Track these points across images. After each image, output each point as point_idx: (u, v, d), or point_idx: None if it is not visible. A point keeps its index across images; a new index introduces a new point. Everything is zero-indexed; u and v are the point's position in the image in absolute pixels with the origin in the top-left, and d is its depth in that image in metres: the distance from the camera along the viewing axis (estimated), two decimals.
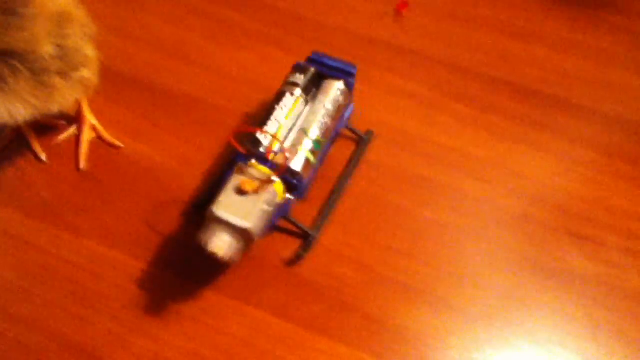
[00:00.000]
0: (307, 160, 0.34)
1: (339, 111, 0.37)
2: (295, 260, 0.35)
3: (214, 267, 0.34)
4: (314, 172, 0.35)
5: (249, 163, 0.32)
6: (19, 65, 0.30)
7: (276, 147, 0.34)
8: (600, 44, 0.49)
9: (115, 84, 0.42)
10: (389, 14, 0.49)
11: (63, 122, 0.40)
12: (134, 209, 0.36)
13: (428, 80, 0.45)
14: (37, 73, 0.31)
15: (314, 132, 0.35)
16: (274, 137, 0.33)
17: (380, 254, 0.35)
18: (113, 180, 0.37)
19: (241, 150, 0.33)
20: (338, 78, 0.38)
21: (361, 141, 0.40)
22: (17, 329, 0.31)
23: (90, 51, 0.35)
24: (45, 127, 0.40)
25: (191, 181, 0.38)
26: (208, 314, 0.32)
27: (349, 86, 0.38)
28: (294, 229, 0.35)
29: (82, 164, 0.38)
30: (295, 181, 0.33)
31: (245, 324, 0.32)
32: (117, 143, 0.39)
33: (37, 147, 0.38)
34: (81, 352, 0.31)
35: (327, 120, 0.36)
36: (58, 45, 0.31)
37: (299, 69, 0.38)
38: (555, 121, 0.43)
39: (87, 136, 0.39)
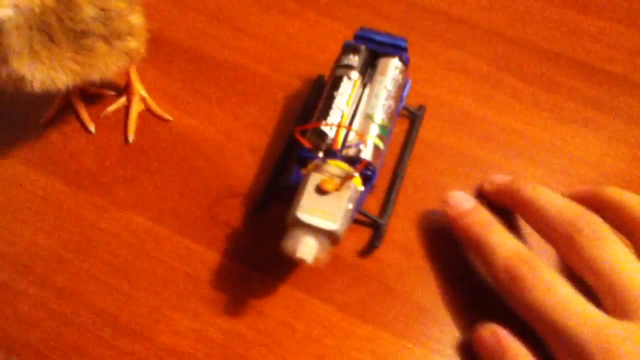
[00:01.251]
0: (377, 148, 0.32)
1: (400, 90, 0.35)
2: (369, 250, 0.33)
3: (259, 248, 0.33)
4: (383, 158, 0.33)
5: (327, 160, 0.31)
6: (57, 26, 0.29)
7: (347, 137, 0.32)
8: None
9: (161, 53, 0.42)
10: None
11: (112, 93, 0.39)
12: (181, 185, 0.36)
13: (486, 54, 0.43)
14: (78, 36, 0.30)
15: (379, 116, 0.33)
16: (348, 128, 0.31)
17: (432, 240, 0.34)
18: (161, 154, 0.37)
19: (307, 145, 0.31)
20: (392, 54, 0.36)
21: (415, 118, 0.38)
22: (58, 299, 0.32)
23: (136, 19, 0.34)
24: (94, 97, 0.39)
25: (237, 158, 0.37)
26: (252, 294, 0.32)
27: (404, 62, 0.36)
28: (362, 218, 0.34)
29: (131, 137, 0.37)
30: (369, 172, 0.31)
31: (288, 305, 0.32)
32: (166, 116, 0.38)
33: (85, 117, 0.38)
34: (120, 325, 0.31)
35: (390, 102, 0.34)
36: (101, 9, 0.31)
37: (350, 49, 0.36)
38: (622, 103, 0.40)
39: (136, 108, 0.38)
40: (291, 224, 0.29)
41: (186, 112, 0.39)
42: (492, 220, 0.31)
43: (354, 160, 0.31)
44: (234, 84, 0.41)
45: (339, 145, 0.32)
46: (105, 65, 0.32)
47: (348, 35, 0.39)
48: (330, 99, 0.34)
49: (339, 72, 0.35)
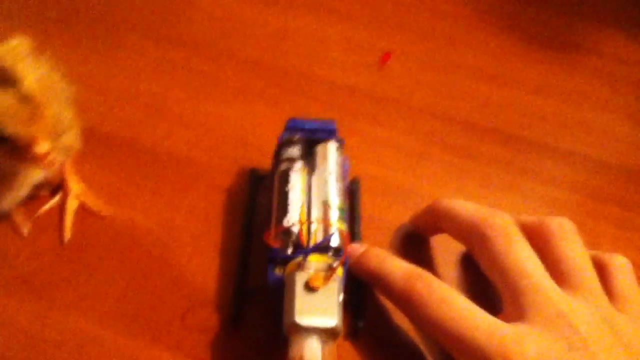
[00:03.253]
0: (341, 231, 0.33)
1: (343, 170, 0.37)
2: (355, 332, 0.33)
3: (207, 341, 0.33)
4: (348, 238, 0.34)
5: (306, 257, 0.31)
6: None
7: (310, 228, 0.33)
8: (576, 86, 0.50)
9: (96, 145, 0.41)
10: (372, 65, 0.50)
11: (45, 193, 0.38)
12: (122, 282, 0.35)
13: (412, 129, 0.45)
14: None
15: (334, 201, 0.34)
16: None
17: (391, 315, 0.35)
18: (98, 251, 0.36)
19: (276, 246, 0.32)
20: (325, 139, 0.37)
21: (352, 192, 0.39)
22: None
23: (70, 114, 0.35)
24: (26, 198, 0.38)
25: (179, 249, 0.37)
26: None
27: (340, 143, 0.38)
28: None
29: (66, 236, 0.36)
30: (338, 256, 0.32)
31: None
32: (103, 212, 0.38)
33: (18, 220, 0.37)
34: None
35: (339, 183, 0.36)
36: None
37: (287, 141, 0.37)
38: (539, 166, 0.44)
39: (71, 206, 0.37)
40: (291, 331, 0.29)
41: (124, 206, 0.39)
42: (384, 252, 0.33)
43: (325, 250, 0.32)
44: (172, 173, 0.41)
45: (307, 241, 0.32)
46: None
47: (282, 118, 0.40)
48: (284, 195, 0.34)
49: (284, 166, 0.36)
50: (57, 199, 0.38)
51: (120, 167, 0.41)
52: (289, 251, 0.32)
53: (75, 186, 0.38)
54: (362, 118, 0.46)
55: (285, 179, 0.35)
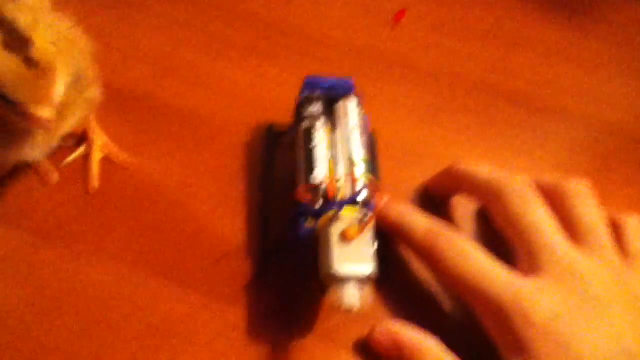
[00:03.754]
0: (370, 182, 0.34)
1: (365, 124, 0.38)
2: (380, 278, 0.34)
3: (233, 286, 0.34)
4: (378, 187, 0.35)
5: (340, 210, 0.32)
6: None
7: (340, 182, 0.34)
8: (589, 49, 0.50)
9: (114, 100, 0.41)
10: (385, 25, 0.50)
11: (71, 143, 0.39)
12: (149, 230, 0.36)
13: (426, 90, 0.46)
14: (62, 107, 0.31)
15: (359, 154, 0.35)
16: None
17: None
18: (124, 201, 0.38)
19: (307, 200, 0.33)
20: (344, 96, 0.38)
21: (371, 145, 0.40)
22: (34, 356, 0.31)
23: (93, 69, 0.35)
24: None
25: (202, 203, 0.38)
26: (230, 332, 0.33)
27: (359, 99, 0.39)
28: None
29: (93, 185, 0.38)
30: (370, 208, 0.33)
31: (270, 342, 0.33)
32: (128, 163, 0.39)
33: (46, 168, 0.38)
34: None
35: (364, 137, 0.37)
36: (74, 73, 0.31)
37: (307, 100, 0.38)
38: (551, 128, 0.45)
39: (97, 156, 0.39)
40: (329, 280, 0.30)
41: (145, 159, 0.40)
42: (407, 206, 0.35)
43: (355, 202, 0.33)
44: (189, 130, 0.42)
45: (336, 195, 0.33)
46: (75, 118, 0.33)
47: (294, 78, 0.41)
48: (310, 152, 0.35)
49: (307, 123, 0.37)
50: (82, 149, 0.39)
51: (138, 123, 0.42)
52: (319, 205, 0.33)
53: (99, 138, 0.39)
54: (376, 78, 0.47)
55: (309, 136, 0.36)
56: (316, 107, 0.38)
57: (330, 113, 0.38)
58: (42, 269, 0.34)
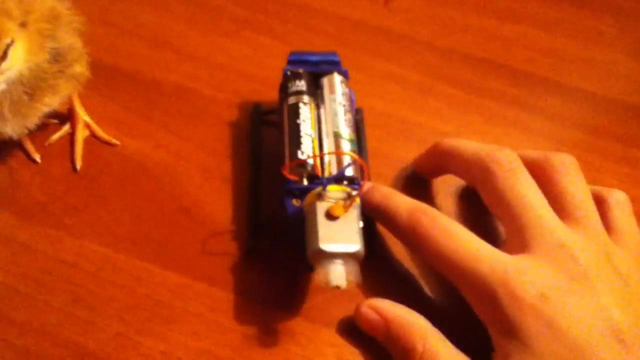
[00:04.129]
0: (357, 160, 0.34)
1: (350, 102, 0.37)
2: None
3: (219, 265, 0.34)
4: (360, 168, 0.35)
5: (326, 188, 0.31)
6: (35, 83, 0.30)
7: (323, 160, 0.34)
8: (584, 22, 0.49)
9: (102, 77, 0.41)
10: None
11: (55, 121, 0.39)
12: (134, 209, 0.36)
13: (417, 64, 0.45)
14: (39, 83, 0.30)
15: (345, 132, 0.35)
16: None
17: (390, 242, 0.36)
18: (110, 180, 0.37)
19: (294, 179, 0.33)
20: (329, 71, 0.38)
21: (357, 122, 0.40)
22: (21, 335, 0.31)
23: (79, 44, 0.35)
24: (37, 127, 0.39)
25: (189, 180, 0.38)
26: (215, 311, 0.33)
27: (345, 75, 0.38)
28: None
29: (78, 164, 0.37)
30: (356, 186, 0.33)
31: (255, 321, 0.33)
32: (113, 141, 0.38)
33: (30, 147, 0.37)
34: (86, 354, 0.31)
35: (349, 115, 0.36)
36: (53, 48, 0.31)
37: (292, 75, 0.37)
38: (544, 102, 0.44)
39: (81, 135, 0.38)
40: (316, 257, 0.30)
41: (132, 137, 0.39)
42: (389, 189, 0.34)
43: (340, 180, 0.33)
44: (178, 106, 0.41)
45: (322, 172, 0.33)
46: (59, 95, 0.33)
47: (286, 52, 0.40)
48: (296, 128, 0.35)
49: (292, 100, 0.36)
50: (67, 127, 0.39)
51: (125, 99, 0.41)
52: (305, 182, 0.33)
53: (84, 115, 0.39)
54: (367, 52, 0.46)
55: (295, 112, 0.36)
56: (302, 82, 0.37)
57: (315, 89, 0.38)
58: (25, 250, 0.34)
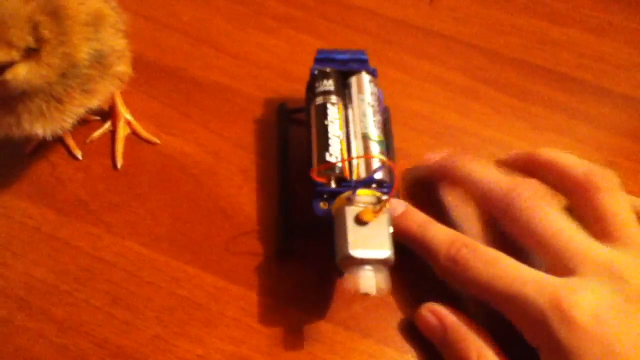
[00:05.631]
0: (388, 164, 0.33)
1: (379, 102, 0.36)
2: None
3: (256, 268, 0.34)
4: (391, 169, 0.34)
5: (355, 192, 0.30)
6: (63, 88, 0.30)
7: (351, 163, 0.33)
8: (635, 27, 0.48)
9: (143, 75, 0.41)
10: None
11: (97, 118, 0.39)
12: (173, 209, 0.36)
13: (462, 66, 0.44)
14: (82, 85, 0.30)
15: (374, 134, 0.34)
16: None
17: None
18: (150, 178, 0.37)
19: (322, 181, 0.32)
20: (357, 70, 0.37)
21: (384, 122, 0.39)
22: (59, 332, 0.31)
23: (122, 44, 0.34)
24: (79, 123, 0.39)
25: (228, 180, 0.37)
26: (253, 316, 0.32)
27: (373, 74, 0.37)
28: None
29: (119, 162, 0.37)
30: (385, 189, 0.32)
31: (289, 325, 0.32)
32: (153, 139, 0.38)
33: (71, 144, 0.38)
34: (127, 357, 0.31)
35: (378, 116, 0.35)
36: (95, 50, 0.31)
37: (320, 75, 0.37)
38: (592, 109, 0.42)
39: (122, 132, 0.38)
40: (345, 263, 0.29)
41: (172, 135, 0.39)
42: (425, 217, 0.33)
43: (369, 183, 0.32)
44: (218, 103, 0.41)
45: (350, 175, 0.33)
46: (102, 94, 0.32)
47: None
48: (324, 129, 0.34)
49: (319, 100, 0.35)
50: (108, 125, 0.39)
51: (167, 97, 0.41)
52: (333, 185, 0.32)
53: (125, 113, 0.39)
54: (409, 51, 0.45)
55: (323, 112, 0.35)
56: (330, 82, 0.36)
57: (343, 88, 0.37)
58: (65, 246, 0.34)
